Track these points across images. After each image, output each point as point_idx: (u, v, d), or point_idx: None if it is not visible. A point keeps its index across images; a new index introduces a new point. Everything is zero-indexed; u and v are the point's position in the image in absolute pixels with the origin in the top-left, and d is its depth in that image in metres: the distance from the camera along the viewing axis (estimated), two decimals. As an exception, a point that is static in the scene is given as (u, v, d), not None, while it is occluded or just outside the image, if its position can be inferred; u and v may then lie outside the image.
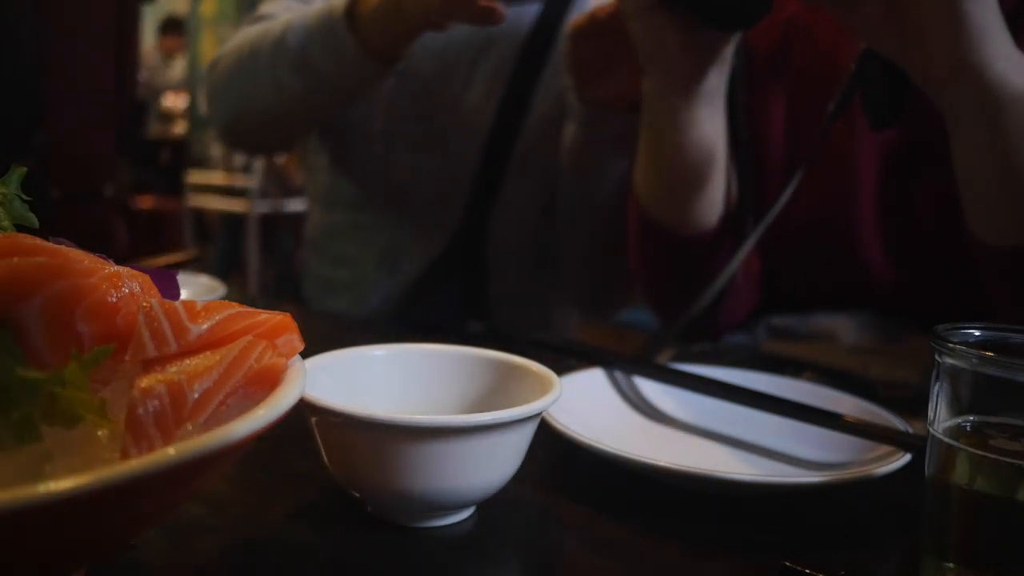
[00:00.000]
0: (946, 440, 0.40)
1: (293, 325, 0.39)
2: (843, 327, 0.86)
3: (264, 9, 1.11)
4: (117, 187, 2.70)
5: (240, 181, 4.48)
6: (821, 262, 0.91)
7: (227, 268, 4.33)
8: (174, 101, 5.96)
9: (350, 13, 0.92)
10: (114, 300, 0.34)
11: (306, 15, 0.97)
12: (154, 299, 0.35)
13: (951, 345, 0.40)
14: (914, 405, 0.75)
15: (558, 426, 0.53)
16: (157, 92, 5.84)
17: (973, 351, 0.39)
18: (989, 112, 0.58)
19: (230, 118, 1.09)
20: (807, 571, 0.41)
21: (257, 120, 1.06)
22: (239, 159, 4.57)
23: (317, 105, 1.04)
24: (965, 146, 0.63)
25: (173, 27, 6.05)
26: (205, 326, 0.35)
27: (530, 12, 1.07)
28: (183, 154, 5.36)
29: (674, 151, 0.79)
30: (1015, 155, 0.59)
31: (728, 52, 0.75)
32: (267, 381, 0.36)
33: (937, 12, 0.56)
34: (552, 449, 0.55)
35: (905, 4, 0.57)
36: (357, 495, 0.46)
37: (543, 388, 0.47)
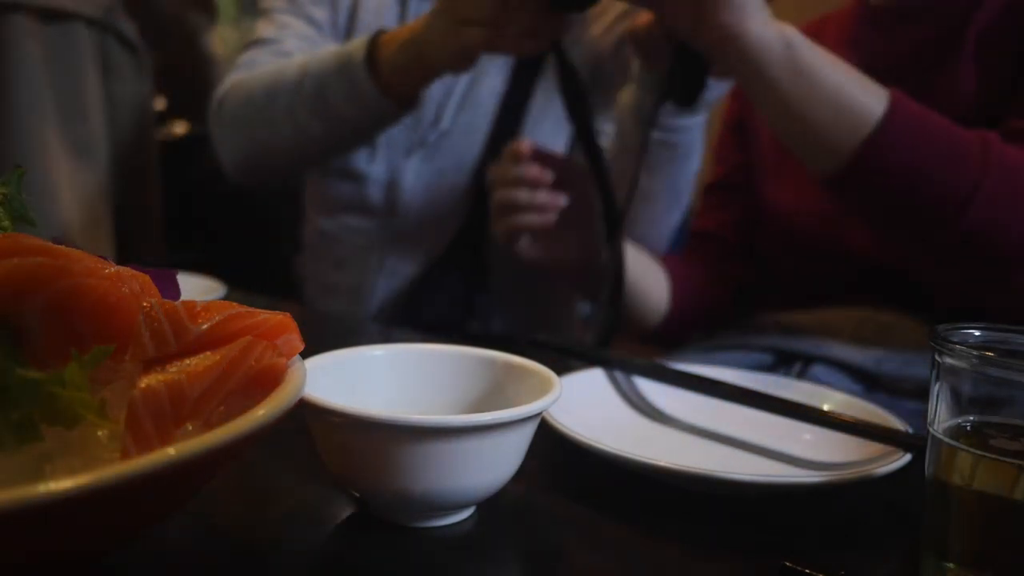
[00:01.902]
0: (946, 440, 0.40)
1: (293, 325, 0.39)
2: (848, 321, 0.86)
3: (263, 33, 1.11)
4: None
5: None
6: (816, 256, 0.92)
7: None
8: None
9: (370, 58, 0.93)
10: (114, 300, 0.34)
11: (323, 60, 0.98)
12: (154, 299, 0.35)
13: (951, 345, 0.40)
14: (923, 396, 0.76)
15: (558, 426, 0.53)
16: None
17: (973, 351, 0.39)
18: (756, 69, 0.72)
19: (243, 159, 1.09)
20: (807, 571, 0.41)
21: (272, 161, 1.08)
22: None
23: (337, 147, 1.06)
24: (753, 99, 0.77)
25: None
26: (205, 326, 0.35)
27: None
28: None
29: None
30: (787, 101, 0.73)
31: None
32: (267, 381, 0.36)
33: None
34: (552, 449, 0.55)
35: None
36: (357, 495, 0.46)
37: (543, 388, 0.47)
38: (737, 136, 1.06)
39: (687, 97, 0.86)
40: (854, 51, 0.94)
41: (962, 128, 0.74)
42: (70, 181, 1.12)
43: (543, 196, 0.90)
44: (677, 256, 1.07)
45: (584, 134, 0.88)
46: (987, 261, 0.73)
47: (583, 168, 0.90)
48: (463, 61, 0.87)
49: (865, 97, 0.73)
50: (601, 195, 0.87)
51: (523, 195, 0.90)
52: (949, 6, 0.87)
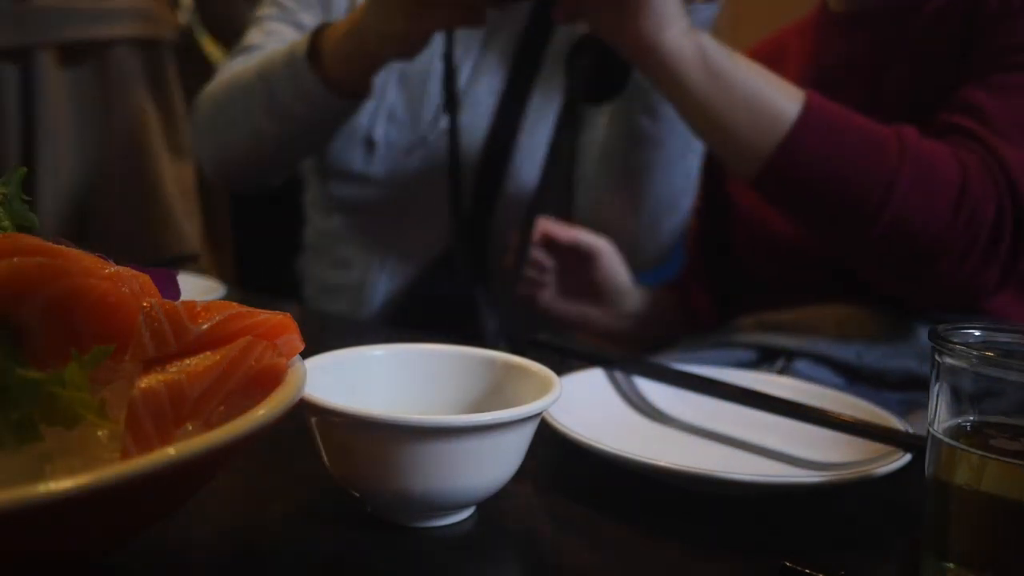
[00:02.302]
0: (946, 440, 0.40)
1: (293, 325, 0.39)
2: (827, 318, 0.87)
3: (250, 40, 1.11)
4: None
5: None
6: (788, 258, 0.93)
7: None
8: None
9: (312, 52, 0.93)
10: (114, 300, 0.34)
11: (272, 59, 0.98)
12: (154, 299, 0.35)
13: (951, 345, 0.40)
14: (905, 387, 0.77)
15: (558, 426, 0.53)
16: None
17: (973, 351, 0.39)
18: (673, 76, 0.75)
19: (215, 163, 1.10)
20: (807, 571, 0.41)
21: (241, 164, 1.08)
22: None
23: (297, 147, 1.06)
24: (674, 106, 0.79)
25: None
26: (205, 326, 0.35)
27: (524, 7, 1.07)
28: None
29: None
30: (705, 107, 0.75)
31: None
32: (267, 381, 0.36)
33: (629, 9, 0.74)
34: (552, 449, 0.55)
35: (611, 6, 0.75)
36: (357, 495, 0.46)
37: (543, 388, 0.47)
38: None
39: (604, 95, 0.92)
40: (814, 59, 0.96)
41: (880, 125, 0.75)
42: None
43: (541, 275, 1.01)
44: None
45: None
46: (912, 254, 0.74)
47: (593, 249, 0.99)
48: (409, 48, 0.87)
49: (780, 100, 0.74)
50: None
51: (530, 272, 1.01)
52: (899, 8, 0.89)
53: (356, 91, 0.95)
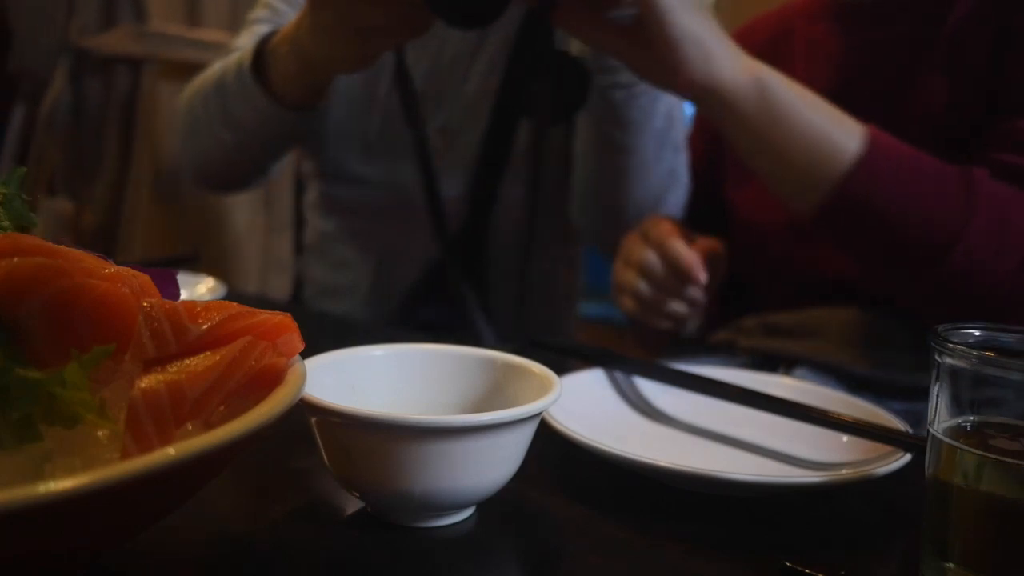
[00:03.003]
0: (946, 440, 0.40)
1: (293, 325, 0.39)
2: (830, 321, 0.86)
3: (238, 42, 1.10)
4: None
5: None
6: (789, 268, 0.92)
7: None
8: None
9: (260, 64, 0.91)
10: (114, 300, 0.34)
11: (227, 68, 0.96)
12: (154, 299, 0.35)
13: (951, 345, 0.40)
14: (911, 398, 0.76)
15: (558, 426, 0.53)
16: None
17: (973, 351, 0.39)
18: (731, 115, 0.74)
19: (192, 168, 1.10)
20: (807, 571, 0.41)
21: (212, 169, 1.08)
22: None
23: (257, 155, 1.04)
24: (731, 141, 0.77)
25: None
26: (205, 326, 0.35)
27: (517, 9, 1.06)
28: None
29: None
30: (763, 143, 0.74)
31: None
32: (267, 381, 0.36)
33: (674, 54, 0.71)
34: (552, 449, 0.55)
35: (658, 49, 0.72)
36: (357, 495, 0.46)
37: (543, 388, 0.47)
38: (707, 129, 1.05)
39: (564, 112, 0.89)
40: (825, 52, 0.93)
41: (946, 164, 0.73)
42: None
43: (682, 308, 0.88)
44: None
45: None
46: (974, 300, 0.72)
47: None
48: (358, 67, 0.85)
49: (841, 136, 0.72)
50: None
51: (679, 307, 0.88)
52: (923, 5, 0.86)
53: (305, 104, 0.93)
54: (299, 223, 1.27)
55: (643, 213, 1.02)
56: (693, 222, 1.03)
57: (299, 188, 1.28)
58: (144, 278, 0.37)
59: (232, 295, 0.84)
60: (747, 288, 1.01)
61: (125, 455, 0.32)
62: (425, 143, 0.99)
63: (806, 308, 0.89)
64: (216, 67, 1.02)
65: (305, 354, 0.41)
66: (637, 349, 1.05)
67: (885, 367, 0.80)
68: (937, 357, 0.40)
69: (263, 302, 0.73)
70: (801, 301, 0.90)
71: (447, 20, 0.75)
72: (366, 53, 0.82)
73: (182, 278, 0.42)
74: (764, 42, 0.98)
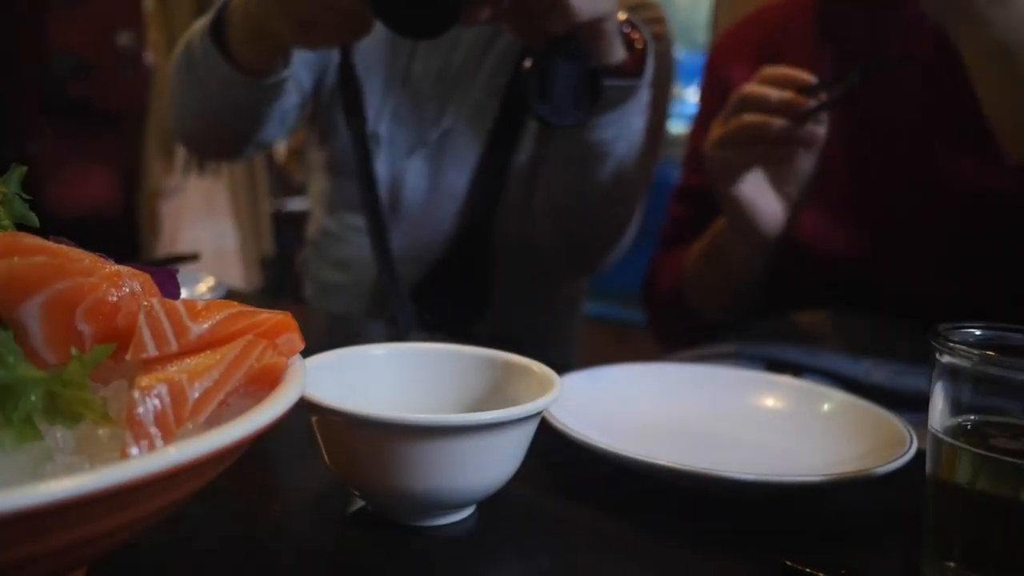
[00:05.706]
0: (946, 440, 0.40)
1: (293, 324, 0.39)
2: (835, 326, 0.86)
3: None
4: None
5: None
6: (799, 278, 0.92)
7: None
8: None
9: (218, 27, 0.90)
10: (114, 299, 0.34)
11: (194, 32, 0.95)
12: (154, 298, 0.35)
13: (951, 344, 0.40)
14: (916, 407, 0.76)
15: (558, 426, 0.53)
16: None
17: (973, 351, 0.39)
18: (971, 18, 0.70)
19: (178, 130, 1.10)
20: (807, 570, 0.41)
21: (192, 133, 1.08)
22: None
23: (226, 121, 1.02)
24: (988, 81, 0.72)
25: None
26: (206, 325, 0.35)
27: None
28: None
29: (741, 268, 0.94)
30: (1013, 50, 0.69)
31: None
32: (267, 380, 0.36)
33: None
34: (552, 449, 0.55)
35: None
36: (357, 494, 0.46)
37: (543, 388, 0.47)
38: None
39: (571, 117, 0.81)
40: (832, 46, 0.91)
41: None
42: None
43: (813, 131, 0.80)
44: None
45: None
46: None
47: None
48: (308, 49, 0.85)
49: None
50: None
51: (818, 130, 0.80)
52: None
53: (261, 70, 0.90)
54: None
55: (613, 200, 1.00)
56: (697, 231, 1.02)
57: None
58: (144, 277, 0.37)
59: (232, 294, 0.84)
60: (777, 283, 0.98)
61: (125, 455, 0.31)
62: (364, 139, 0.98)
63: (806, 309, 0.89)
64: (194, 28, 1.01)
65: (305, 354, 0.41)
66: (649, 345, 1.05)
67: (891, 375, 0.79)
68: (938, 356, 0.40)
69: (264, 301, 0.74)
70: (799, 298, 0.90)
71: (396, 29, 0.74)
72: (307, 43, 0.82)
73: (182, 277, 0.42)
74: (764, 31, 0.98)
